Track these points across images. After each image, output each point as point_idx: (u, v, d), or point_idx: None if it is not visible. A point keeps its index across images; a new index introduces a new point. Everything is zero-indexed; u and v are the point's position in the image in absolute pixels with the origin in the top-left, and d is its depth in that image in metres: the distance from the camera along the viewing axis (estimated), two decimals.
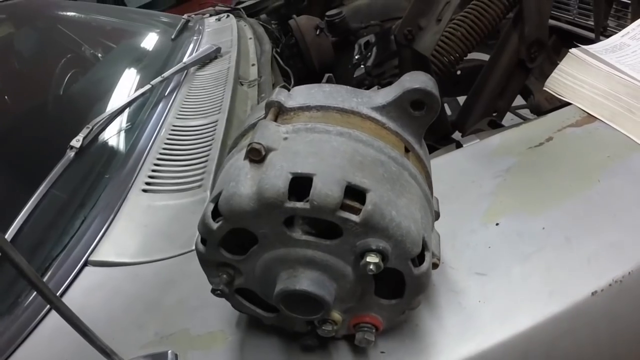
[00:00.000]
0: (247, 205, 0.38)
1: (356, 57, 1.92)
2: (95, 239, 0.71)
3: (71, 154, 0.84)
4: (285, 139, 0.41)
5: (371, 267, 0.37)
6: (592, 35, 1.32)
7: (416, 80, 0.44)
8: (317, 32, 1.76)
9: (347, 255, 0.39)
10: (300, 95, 0.46)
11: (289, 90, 0.48)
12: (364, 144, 0.41)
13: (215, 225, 0.40)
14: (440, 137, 0.92)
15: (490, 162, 0.68)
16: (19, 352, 0.61)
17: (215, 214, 0.41)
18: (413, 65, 0.83)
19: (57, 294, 0.65)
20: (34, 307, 0.65)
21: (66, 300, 0.65)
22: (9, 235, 0.69)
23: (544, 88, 0.81)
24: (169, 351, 0.55)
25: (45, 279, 0.67)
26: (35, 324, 0.63)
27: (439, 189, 0.66)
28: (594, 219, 0.57)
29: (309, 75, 1.79)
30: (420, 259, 0.40)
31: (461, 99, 1.22)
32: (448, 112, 1.71)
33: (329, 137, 0.41)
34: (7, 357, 0.61)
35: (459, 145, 0.75)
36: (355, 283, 0.41)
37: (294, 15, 1.79)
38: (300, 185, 0.37)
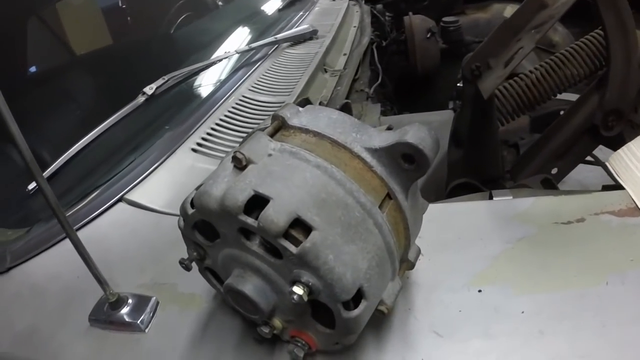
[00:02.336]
0: (212, 205, 0.41)
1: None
2: (135, 180, 0.78)
3: (142, 99, 0.91)
4: (270, 155, 0.44)
5: (294, 297, 0.39)
6: None
7: (415, 135, 0.43)
8: (428, 35, 1.72)
9: (287, 276, 0.42)
10: (307, 116, 0.48)
11: (304, 106, 0.50)
12: (336, 182, 0.42)
13: (190, 211, 0.45)
14: (488, 180, 0.89)
15: (507, 225, 0.65)
16: (39, 257, 0.71)
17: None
18: (473, 104, 0.80)
19: (89, 218, 0.74)
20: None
21: (93, 227, 0.74)
22: (65, 157, 0.78)
23: (606, 163, 0.75)
24: (154, 297, 0.61)
25: (83, 203, 0.76)
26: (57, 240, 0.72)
27: (444, 236, 0.65)
28: (578, 322, 0.52)
29: (409, 75, 1.77)
30: (355, 303, 0.42)
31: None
32: None
33: (306, 166, 0.43)
34: (28, 259, 0.70)
35: (491, 196, 0.73)
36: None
37: (410, 13, 1.77)
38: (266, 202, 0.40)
